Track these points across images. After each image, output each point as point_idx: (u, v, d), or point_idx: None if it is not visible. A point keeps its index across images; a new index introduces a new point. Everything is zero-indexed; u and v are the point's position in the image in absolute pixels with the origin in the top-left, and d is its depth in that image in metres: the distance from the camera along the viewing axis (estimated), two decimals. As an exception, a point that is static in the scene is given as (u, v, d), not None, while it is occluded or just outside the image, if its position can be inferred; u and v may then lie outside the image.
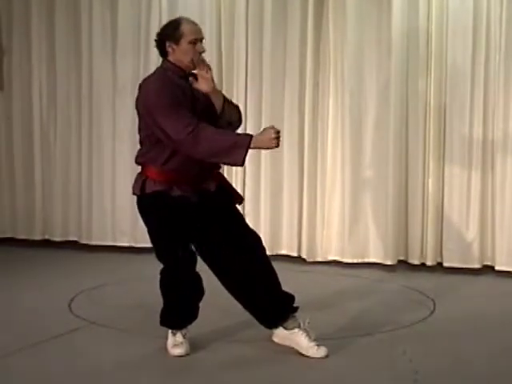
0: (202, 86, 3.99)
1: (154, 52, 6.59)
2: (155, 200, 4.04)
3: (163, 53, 4.06)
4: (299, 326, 4.19)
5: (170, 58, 4.04)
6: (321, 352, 4.13)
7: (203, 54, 4.04)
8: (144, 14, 6.69)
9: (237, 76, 6.57)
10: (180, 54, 3.99)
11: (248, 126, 6.29)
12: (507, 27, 5.98)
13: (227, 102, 4.12)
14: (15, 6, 6.99)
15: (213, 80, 4.02)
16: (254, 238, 4.20)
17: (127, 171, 6.87)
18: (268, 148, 3.93)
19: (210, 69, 4.02)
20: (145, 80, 4.08)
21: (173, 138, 3.86)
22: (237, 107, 4.24)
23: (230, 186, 4.34)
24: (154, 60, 6.64)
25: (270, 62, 6.45)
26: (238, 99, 6.14)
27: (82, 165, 6.98)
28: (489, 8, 6.04)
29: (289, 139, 6.47)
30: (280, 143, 3.87)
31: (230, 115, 4.10)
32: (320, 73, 6.43)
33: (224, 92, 4.41)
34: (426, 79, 6.22)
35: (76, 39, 6.90)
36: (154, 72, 4.12)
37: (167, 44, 4.01)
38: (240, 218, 4.27)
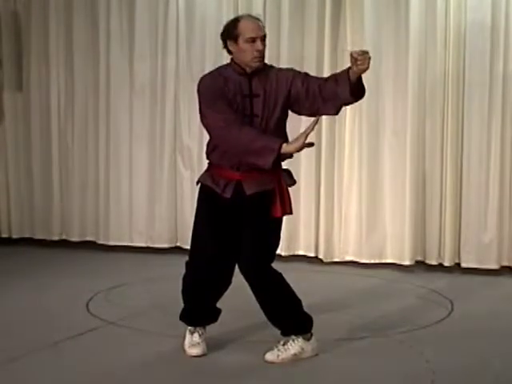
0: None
1: (172, 53, 6.73)
2: (200, 190, 4.13)
3: (228, 51, 4.01)
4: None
5: (233, 56, 3.99)
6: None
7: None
8: (161, 15, 6.69)
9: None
10: (239, 53, 3.93)
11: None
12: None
13: None
14: (33, 7, 7.01)
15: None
16: (247, 267, 4.06)
17: (144, 172, 6.91)
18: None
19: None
20: (205, 74, 4.12)
21: (208, 130, 3.96)
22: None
23: (279, 197, 3.99)
24: (172, 61, 6.69)
25: (287, 64, 6.43)
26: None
27: (99, 165, 7.00)
28: (507, 5, 6.01)
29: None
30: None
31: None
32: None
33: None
34: (444, 81, 6.18)
35: (93, 40, 6.90)
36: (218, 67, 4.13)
37: (228, 43, 3.96)
38: (251, 238, 4.03)
